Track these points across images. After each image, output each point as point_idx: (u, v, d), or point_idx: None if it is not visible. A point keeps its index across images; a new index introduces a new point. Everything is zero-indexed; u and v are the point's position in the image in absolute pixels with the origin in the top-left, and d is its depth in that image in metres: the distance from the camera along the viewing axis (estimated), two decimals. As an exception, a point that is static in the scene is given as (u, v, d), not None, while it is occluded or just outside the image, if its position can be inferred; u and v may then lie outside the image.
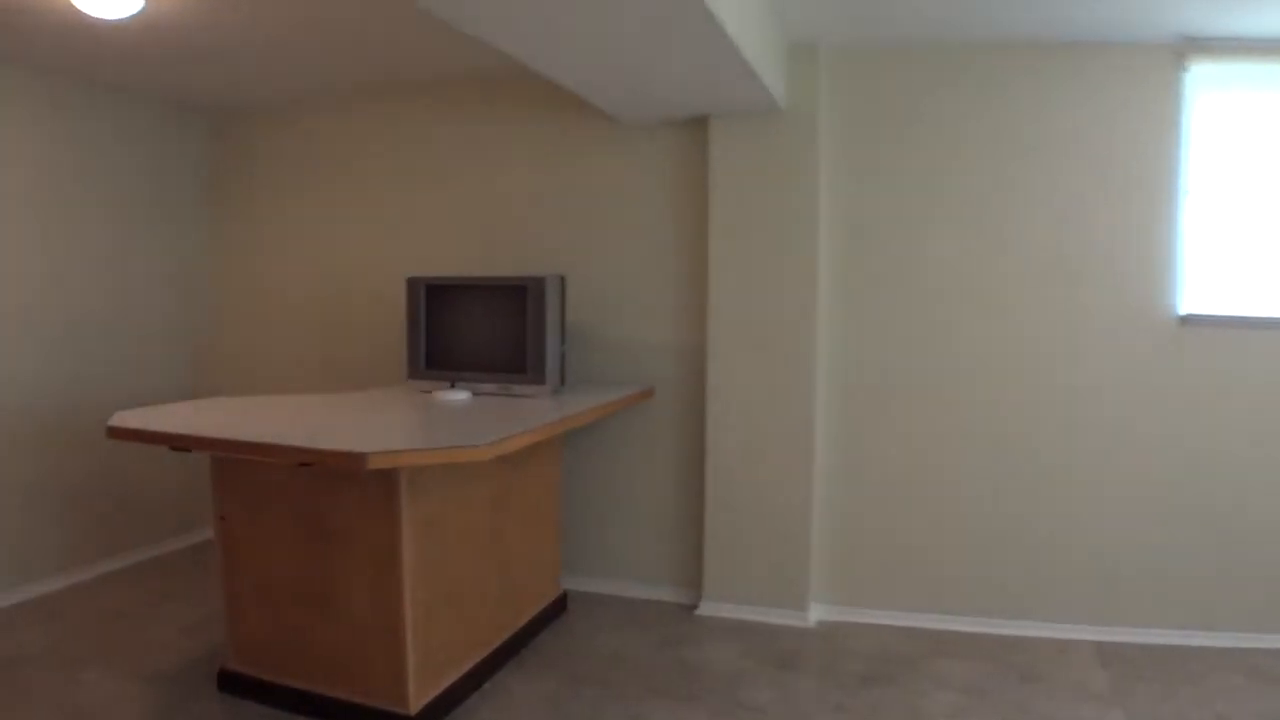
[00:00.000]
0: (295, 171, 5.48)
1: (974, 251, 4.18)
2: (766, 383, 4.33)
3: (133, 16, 3.74)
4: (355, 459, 2.63)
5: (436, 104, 5.05)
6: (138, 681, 3.63)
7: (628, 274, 4.67)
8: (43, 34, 4.03)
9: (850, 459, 4.37)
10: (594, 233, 4.73)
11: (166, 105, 5.41)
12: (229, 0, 3.73)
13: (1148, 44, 3.95)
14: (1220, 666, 3.77)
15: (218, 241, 5.72)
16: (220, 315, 5.74)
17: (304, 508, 3.26)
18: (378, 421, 3.48)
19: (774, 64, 3.93)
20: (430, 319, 4.36)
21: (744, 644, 4.06)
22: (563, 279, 4.27)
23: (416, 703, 3.19)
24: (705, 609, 4.45)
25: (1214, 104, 3.97)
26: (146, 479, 5.24)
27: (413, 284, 4.37)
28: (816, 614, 4.36)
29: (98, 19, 3.80)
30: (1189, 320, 3.99)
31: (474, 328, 4.33)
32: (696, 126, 4.47)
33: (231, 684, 3.48)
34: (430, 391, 4.25)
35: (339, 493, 3.19)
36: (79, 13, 3.70)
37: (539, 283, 4.10)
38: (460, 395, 4.10)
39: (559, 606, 4.39)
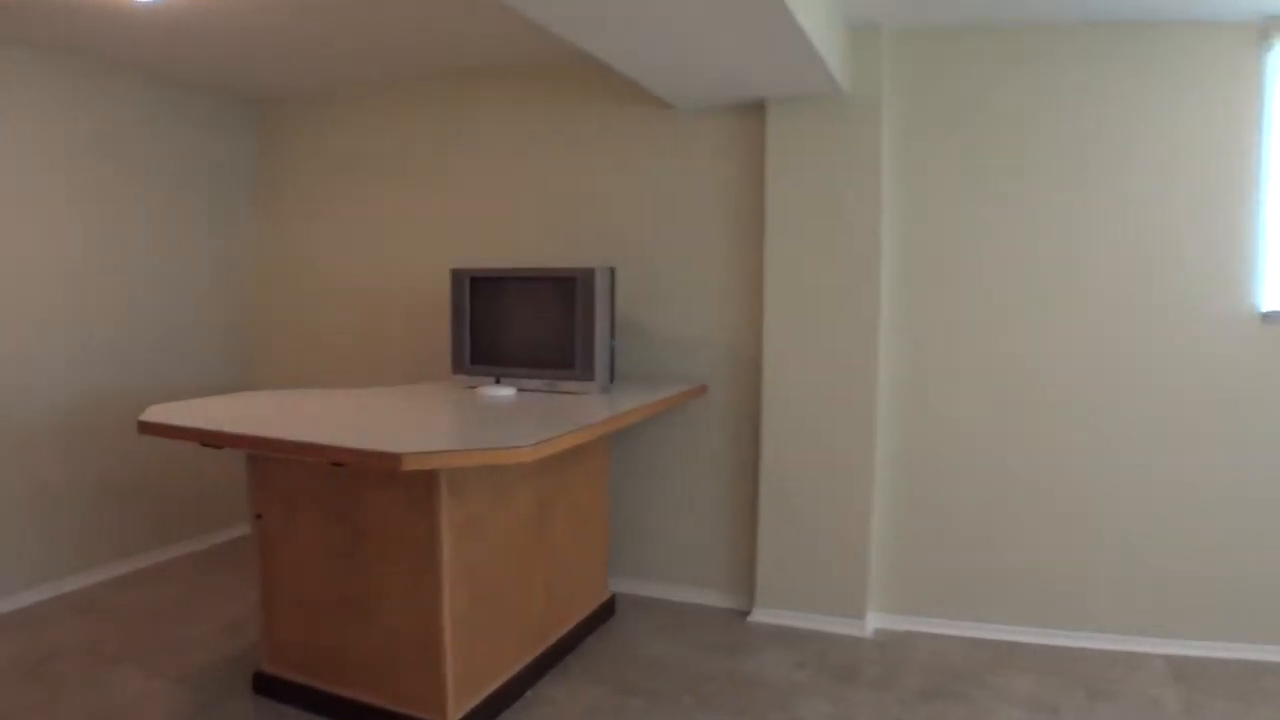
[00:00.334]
0: (342, 162, 5.43)
1: (1043, 244, 3.97)
2: (825, 380, 4.16)
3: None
4: (389, 460, 2.50)
5: (485, 92, 4.95)
6: (172, 681, 3.57)
7: (678, 264, 4.53)
8: (82, 17, 3.96)
9: (912, 461, 4.19)
10: (644, 222, 4.59)
11: (214, 96, 5.38)
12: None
13: (1227, 22, 3.72)
14: (1300, 684, 3.58)
15: (264, 233, 5.69)
16: (265, 308, 5.72)
17: (341, 508, 3.16)
18: (417, 419, 3.37)
19: (836, 45, 3.75)
20: (475, 312, 4.24)
21: (798, 654, 3.91)
22: (613, 270, 4.13)
23: (455, 712, 3.08)
24: (758, 615, 4.30)
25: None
26: (191, 472, 5.22)
27: (457, 276, 4.26)
28: (874, 623, 4.19)
29: (139, 1, 3.72)
30: (1271, 318, 3.76)
31: (520, 321, 4.21)
32: (752, 111, 4.32)
33: (267, 687, 3.41)
34: (474, 387, 4.14)
35: (377, 493, 3.08)
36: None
37: (588, 274, 3.96)
38: (505, 392, 3.98)
39: (607, 610, 4.26)
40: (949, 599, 4.16)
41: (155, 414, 3.17)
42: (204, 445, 2.94)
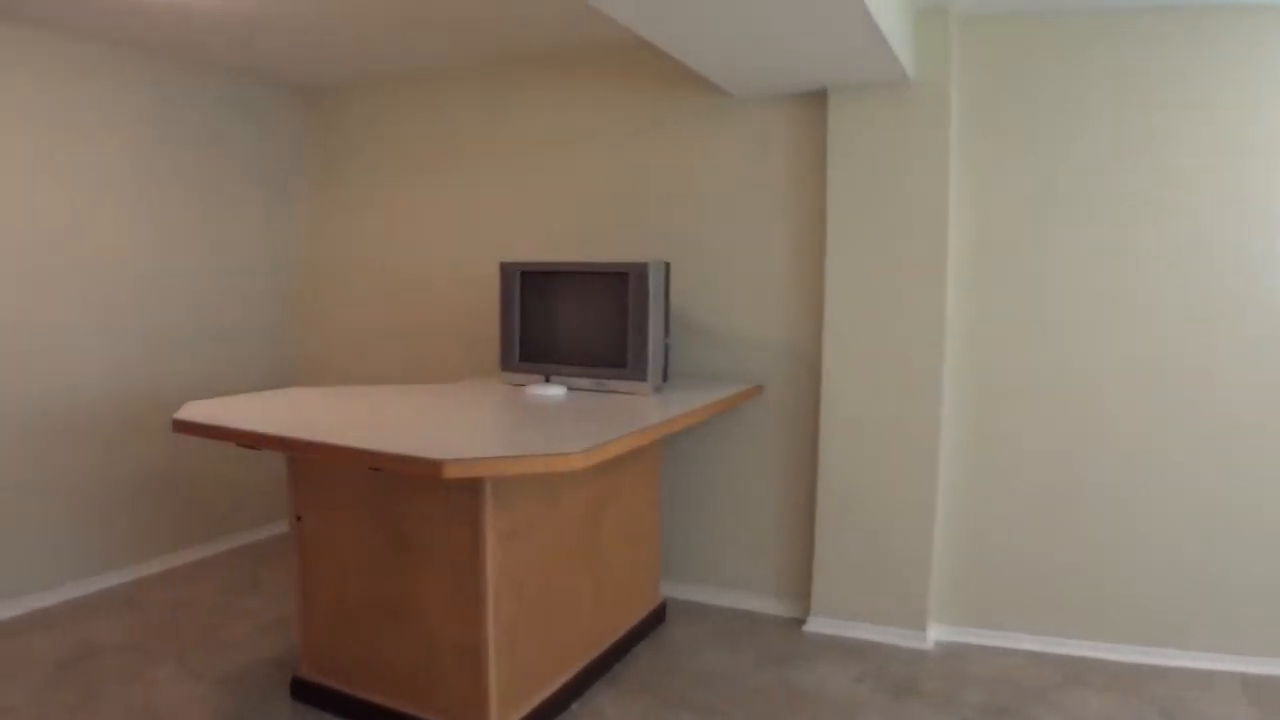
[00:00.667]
0: (388, 153, 5.33)
1: (1115, 243, 3.75)
2: (887, 382, 3.98)
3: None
4: (430, 466, 2.37)
5: (535, 79, 4.82)
6: (209, 683, 3.52)
7: (734, 259, 4.36)
8: (124, 4, 3.87)
9: (977, 468, 4.00)
10: (698, 214, 4.43)
11: (263, 83, 5.31)
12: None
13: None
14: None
15: (309, 226, 5.63)
16: (310, 302, 5.65)
17: (382, 512, 3.05)
18: (462, 420, 3.24)
19: (903, 30, 3.56)
20: (524, 308, 4.12)
21: (856, 667, 3.75)
22: (667, 265, 3.98)
23: (499, 726, 2.96)
24: (813, 625, 4.14)
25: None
26: (235, 467, 5.18)
27: (506, 270, 4.13)
28: (935, 635, 4.02)
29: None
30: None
31: (571, 318, 4.08)
32: (812, 100, 4.14)
33: (305, 693, 3.32)
34: (523, 385, 4.02)
35: (418, 497, 2.96)
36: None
37: (641, 269, 3.82)
38: (554, 391, 3.86)
39: (658, 617, 4.13)
40: (1013, 612, 3.98)
41: (192, 411, 3.09)
42: (240, 446, 2.84)
